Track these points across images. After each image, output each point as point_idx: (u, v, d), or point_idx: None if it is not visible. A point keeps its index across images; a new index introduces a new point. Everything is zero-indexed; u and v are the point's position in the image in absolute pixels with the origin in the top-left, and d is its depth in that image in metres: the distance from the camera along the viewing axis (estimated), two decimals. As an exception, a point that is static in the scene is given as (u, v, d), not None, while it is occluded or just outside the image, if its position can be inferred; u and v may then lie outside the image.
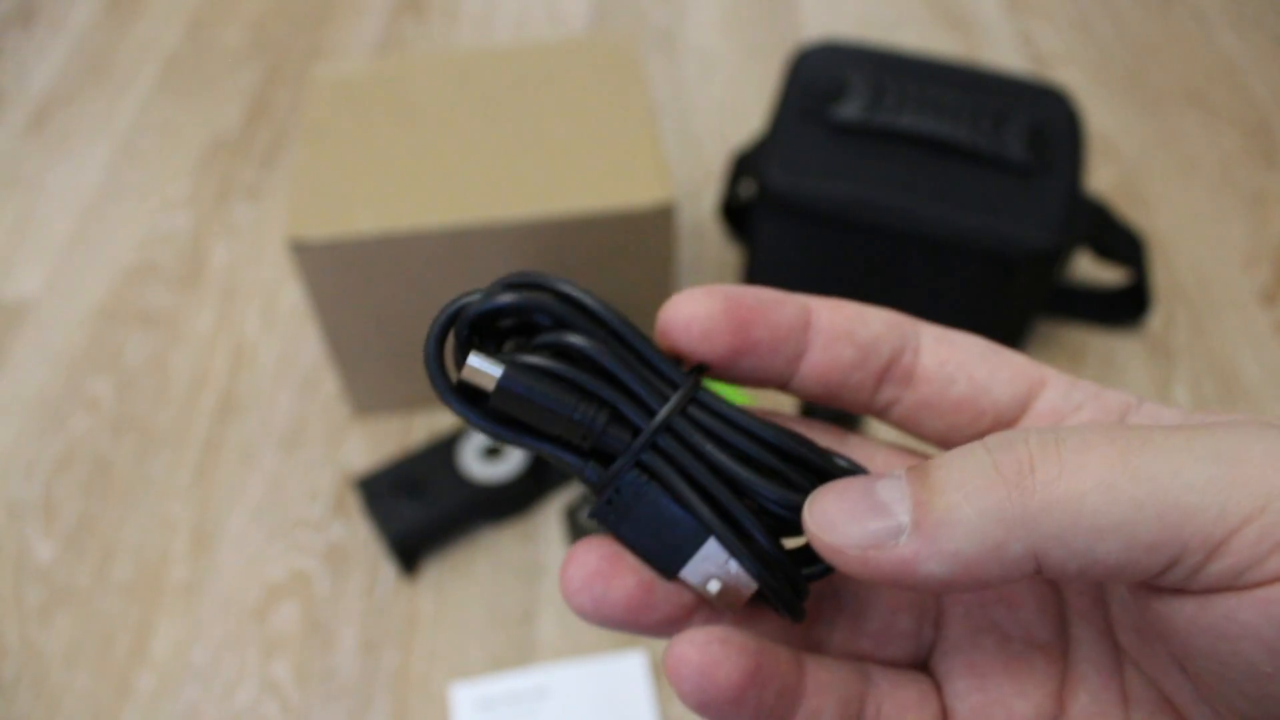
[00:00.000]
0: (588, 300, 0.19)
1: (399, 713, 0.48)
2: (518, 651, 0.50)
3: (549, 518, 0.54)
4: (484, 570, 0.53)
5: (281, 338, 0.64)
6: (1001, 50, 0.81)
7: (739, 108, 0.77)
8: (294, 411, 0.60)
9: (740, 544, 0.19)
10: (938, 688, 0.20)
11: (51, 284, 0.68)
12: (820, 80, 0.56)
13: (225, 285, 0.67)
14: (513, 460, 0.53)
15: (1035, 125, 0.53)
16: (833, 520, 0.18)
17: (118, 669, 0.50)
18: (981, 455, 0.17)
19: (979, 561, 0.16)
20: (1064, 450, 0.16)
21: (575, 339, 0.19)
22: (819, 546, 0.18)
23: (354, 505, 0.55)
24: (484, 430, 0.19)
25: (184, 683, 0.49)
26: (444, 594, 0.52)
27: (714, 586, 0.19)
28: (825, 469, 0.19)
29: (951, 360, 0.20)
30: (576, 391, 0.19)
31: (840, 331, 0.20)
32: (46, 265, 0.69)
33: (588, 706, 0.47)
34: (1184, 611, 0.16)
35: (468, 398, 0.19)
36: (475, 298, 0.19)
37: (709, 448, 0.19)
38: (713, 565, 0.19)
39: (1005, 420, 0.20)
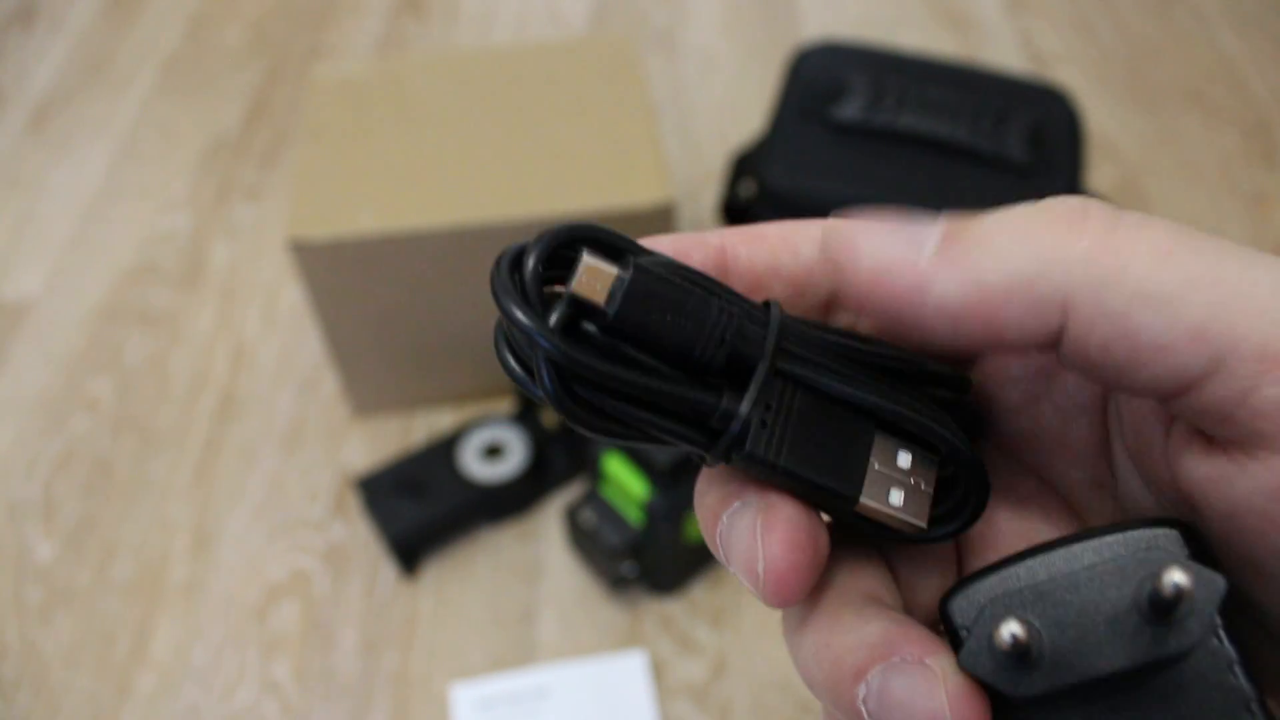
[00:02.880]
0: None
1: (399, 713, 0.48)
2: (518, 651, 0.50)
3: (549, 518, 0.54)
4: (484, 570, 0.53)
5: (281, 338, 0.64)
6: (1001, 50, 0.81)
7: (739, 108, 0.77)
8: (294, 411, 0.60)
9: (913, 414, 0.16)
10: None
11: (51, 284, 0.68)
12: (820, 80, 0.56)
13: (225, 285, 0.67)
14: (513, 460, 0.53)
15: (1035, 125, 0.53)
16: (851, 238, 0.15)
17: (118, 669, 0.50)
18: (1030, 205, 0.15)
19: (1001, 293, 0.14)
20: (1124, 214, 0.14)
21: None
22: (831, 268, 0.16)
23: (354, 505, 0.55)
24: (592, 370, 0.15)
25: (184, 683, 0.49)
26: (444, 594, 0.52)
27: (897, 498, 0.16)
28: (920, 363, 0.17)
29: None
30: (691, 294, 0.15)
31: (763, 268, 0.17)
32: (46, 265, 0.69)
33: (588, 706, 0.47)
34: (1249, 497, 0.14)
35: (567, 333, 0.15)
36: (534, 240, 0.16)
37: (828, 336, 0.16)
38: (889, 466, 0.16)
39: None
